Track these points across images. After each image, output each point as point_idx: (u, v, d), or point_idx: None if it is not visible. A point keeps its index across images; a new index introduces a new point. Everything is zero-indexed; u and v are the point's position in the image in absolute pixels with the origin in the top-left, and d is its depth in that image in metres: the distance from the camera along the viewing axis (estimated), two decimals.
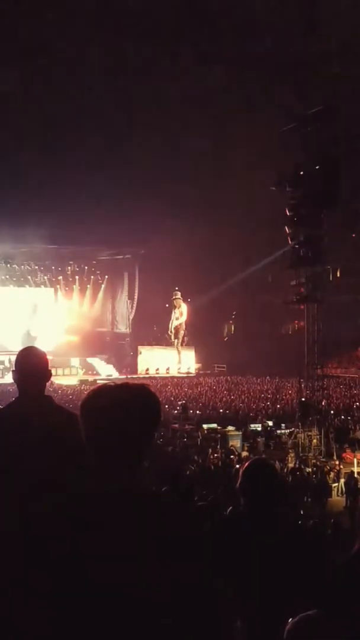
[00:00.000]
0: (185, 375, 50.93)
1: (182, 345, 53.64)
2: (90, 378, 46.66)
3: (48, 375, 3.24)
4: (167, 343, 53.54)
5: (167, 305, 53.75)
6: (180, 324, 53.45)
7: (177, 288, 53.21)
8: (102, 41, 31.63)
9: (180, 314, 53.62)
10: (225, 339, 58.17)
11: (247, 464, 3.43)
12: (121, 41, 32.01)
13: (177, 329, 53.49)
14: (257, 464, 3.43)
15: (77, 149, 36.68)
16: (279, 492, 3.43)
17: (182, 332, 53.47)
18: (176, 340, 53.33)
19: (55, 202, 39.25)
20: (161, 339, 53.32)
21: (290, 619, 1.73)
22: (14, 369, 3.20)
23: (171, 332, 53.40)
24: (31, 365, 3.16)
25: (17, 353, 3.25)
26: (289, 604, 2.59)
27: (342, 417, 27.11)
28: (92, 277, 54.70)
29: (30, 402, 3.12)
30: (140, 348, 52.17)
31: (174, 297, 53.67)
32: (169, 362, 53.06)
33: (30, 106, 33.77)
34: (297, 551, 3.10)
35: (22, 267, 51.26)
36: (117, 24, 30.93)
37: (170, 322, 53.51)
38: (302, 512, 12.73)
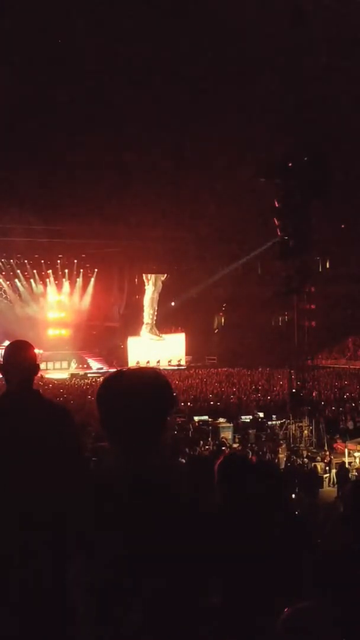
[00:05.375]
0: (176, 367, 51.02)
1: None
2: (81, 372, 46.67)
3: (36, 368, 3.21)
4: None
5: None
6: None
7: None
8: None
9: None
10: (216, 331, 58.28)
11: (220, 460, 3.43)
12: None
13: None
14: (230, 461, 3.42)
15: (69, 141, 36.47)
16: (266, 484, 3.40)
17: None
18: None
19: (44, 196, 39.08)
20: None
21: (286, 609, 1.72)
22: (1, 362, 3.18)
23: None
24: (19, 359, 3.14)
25: (4, 347, 3.23)
26: (270, 596, 2.58)
27: (333, 407, 27.22)
28: (81, 270, 54.59)
29: (18, 396, 3.09)
30: (130, 339, 52.42)
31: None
32: (159, 354, 53.29)
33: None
34: (283, 544, 3.09)
35: (11, 260, 51.10)
36: None
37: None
38: (292, 504, 12.76)
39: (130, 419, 1.84)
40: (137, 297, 54.67)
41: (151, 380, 1.92)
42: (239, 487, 3.24)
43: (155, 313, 54.90)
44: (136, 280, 54.52)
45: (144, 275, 54.62)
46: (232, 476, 3.28)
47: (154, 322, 54.85)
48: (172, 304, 54.82)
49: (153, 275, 54.46)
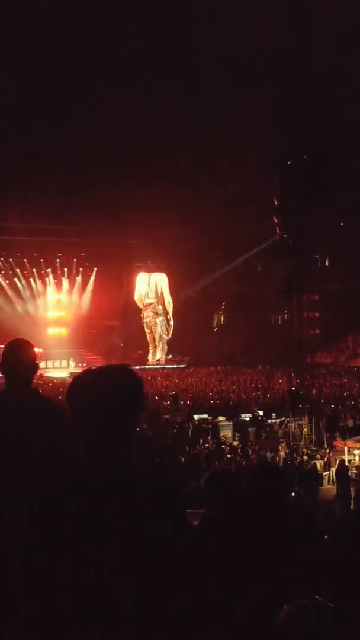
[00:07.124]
0: (176, 366, 50.98)
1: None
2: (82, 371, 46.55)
3: (35, 367, 3.21)
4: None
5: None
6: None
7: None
8: None
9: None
10: (215, 330, 58.22)
11: (206, 474, 3.48)
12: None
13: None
14: (215, 477, 3.46)
15: (69, 142, 36.56)
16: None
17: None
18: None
19: (43, 195, 39.08)
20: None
21: (284, 607, 1.72)
22: (0, 361, 3.17)
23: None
24: (18, 358, 3.13)
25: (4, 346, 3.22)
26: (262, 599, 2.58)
27: (333, 405, 27.19)
28: (80, 268, 54.49)
29: (17, 395, 3.09)
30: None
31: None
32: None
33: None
34: (282, 543, 3.10)
35: (11, 259, 51.00)
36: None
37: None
38: (291, 502, 12.76)
39: (95, 418, 1.83)
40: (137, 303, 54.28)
41: (116, 379, 1.90)
42: (228, 501, 3.28)
43: (166, 348, 54.41)
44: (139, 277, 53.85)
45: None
46: (220, 492, 3.32)
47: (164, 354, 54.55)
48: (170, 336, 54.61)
49: (161, 316, 53.82)
